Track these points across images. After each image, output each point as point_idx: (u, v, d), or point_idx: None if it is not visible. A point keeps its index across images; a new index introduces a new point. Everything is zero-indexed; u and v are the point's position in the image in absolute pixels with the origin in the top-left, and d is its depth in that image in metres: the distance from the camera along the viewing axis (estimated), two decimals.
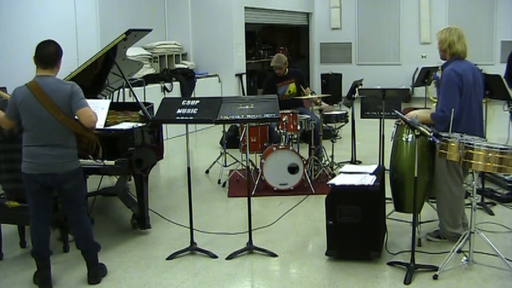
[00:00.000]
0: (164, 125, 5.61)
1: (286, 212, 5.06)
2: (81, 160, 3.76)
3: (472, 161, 3.56)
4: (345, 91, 8.63)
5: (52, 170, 3.56)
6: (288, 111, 5.92)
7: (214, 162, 6.85)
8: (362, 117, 6.69)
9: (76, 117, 3.61)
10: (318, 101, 6.54)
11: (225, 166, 6.58)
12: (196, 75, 10.01)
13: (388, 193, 4.41)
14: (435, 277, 3.68)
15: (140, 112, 4.95)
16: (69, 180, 3.62)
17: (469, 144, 3.59)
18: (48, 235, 3.78)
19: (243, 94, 10.70)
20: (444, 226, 4.24)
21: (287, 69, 6.79)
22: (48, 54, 3.56)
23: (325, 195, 4.06)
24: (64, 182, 3.61)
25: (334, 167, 6.46)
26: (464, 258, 3.84)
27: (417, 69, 11.81)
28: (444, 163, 4.05)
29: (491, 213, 4.97)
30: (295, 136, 6.19)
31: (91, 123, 3.62)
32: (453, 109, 3.89)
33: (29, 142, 3.57)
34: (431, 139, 3.67)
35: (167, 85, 9.19)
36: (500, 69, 5.95)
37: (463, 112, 4.06)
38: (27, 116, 3.54)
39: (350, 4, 14.19)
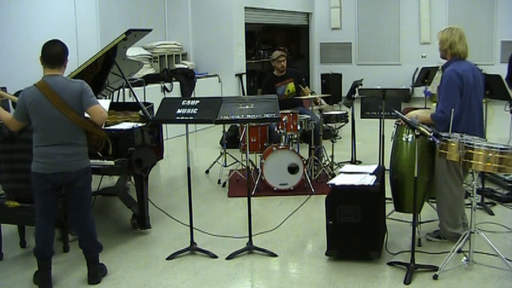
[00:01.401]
0: (164, 125, 5.61)
1: (289, 216, 5.04)
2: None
3: (472, 161, 3.56)
4: (345, 91, 8.62)
5: (65, 169, 3.57)
6: (288, 111, 5.92)
7: (214, 162, 6.85)
8: (362, 117, 6.70)
9: (86, 114, 3.63)
10: (317, 100, 6.55)
11: (225, 166, 6.58)
12: (196, 75, 10.00)
13: (388, 193, 4.41)
14: (435, 277, 3.69)
15: (140, 112, 4.95)
16: (80, 179, 3.64)
17: (469, 144, 3.59)
18: (53, 236, 3.79)
19: (243, 94, 10.70)
20: (444, 226, 4.24)
21: (285, 70, 6.81)
22: (54, 53, 3.58)
23: (325, 195, 4.06)
24: (76, 181, 3.63)
25: (334, 167, 6.45)
26: (464, 258, 3.84)
27: (417, 69, 11.82)
28: (444, 163, 4.05)
29: (491, 213, 4.97)
30: (295, 136, 6.18)
31: (102, 119, 3.67)
32: (453, 110, 3.89)
33: (40, 142, 3.58)
34: (431, 139, 3.66)
35: (167, 85, 9.19)
36: (500, 69, 5.96)
37: (463, 112, 4.06)
38: (37, 116, 3.55)
39: (350, 4, 14.19)
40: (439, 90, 4.22)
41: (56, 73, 3.59)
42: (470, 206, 3.79)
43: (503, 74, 5.46)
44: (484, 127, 4.36)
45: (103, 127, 4.32)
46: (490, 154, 3.51)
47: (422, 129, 3.64)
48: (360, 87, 6.58)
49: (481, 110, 4.23)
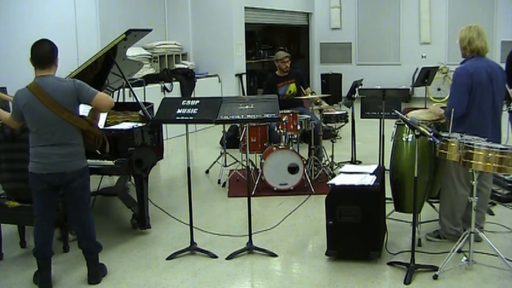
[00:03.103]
0: (164, 125, 5.61)
1: (288, 214, 5.05)
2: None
3: (472, 161, 3.56)
4: (345, 91, 8.63)
5: (61, 169, 3.57)
6: (288, 111, 5.91)
7: (214, 162, 6.85)
8: (362, 117, 6.70)
9: (85, 112, 3.61)
10: (318, 100, 6.54)
11: (225, 166, 6.58)
12: (196, 75, 10.00)
13: (388, 193, 4.41)
14: (435, 277, 3.69)
15: (140, 112, 4.95)
16: (76, 179, 3.63)
17: (469, 144, 3.59)
18: (52, 236, 3.79)
19: (243, 94, 10.70)
20: (444, 221, 4.24)
21: (288, 70, 6.82)
22: (43, 53, 3.54)
23: (325, 195, 4.06)
24: (72, 181, 3.62)
25: (334, 167, 6.45)
26: (464, 258, 3.84)
27: (417, 69, 11.81)
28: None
29: (491, 213, 4.96)
30: (295, 136, 6.18)
31: (110, 103, 3.68)
32: (453, 109, 3.91)
33: (36, 143, 3.57)
34: (430, 139, 3.67)
35: (167, 85, 9.19)
36: None
37: (472, 110, 4.04)
38: (31, 118, 3.54)
39: (350, 4, 14.19)
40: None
41: (47, 73, 3.56)
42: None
43: None
44: (499, 127, 4.25)
45: (102, 127, 4.34)
46: (490, 154, 3.51)
47: (422, 129, 3.65)
48: (360, 87, 6.57)
49: (495, 110, 4.15)
